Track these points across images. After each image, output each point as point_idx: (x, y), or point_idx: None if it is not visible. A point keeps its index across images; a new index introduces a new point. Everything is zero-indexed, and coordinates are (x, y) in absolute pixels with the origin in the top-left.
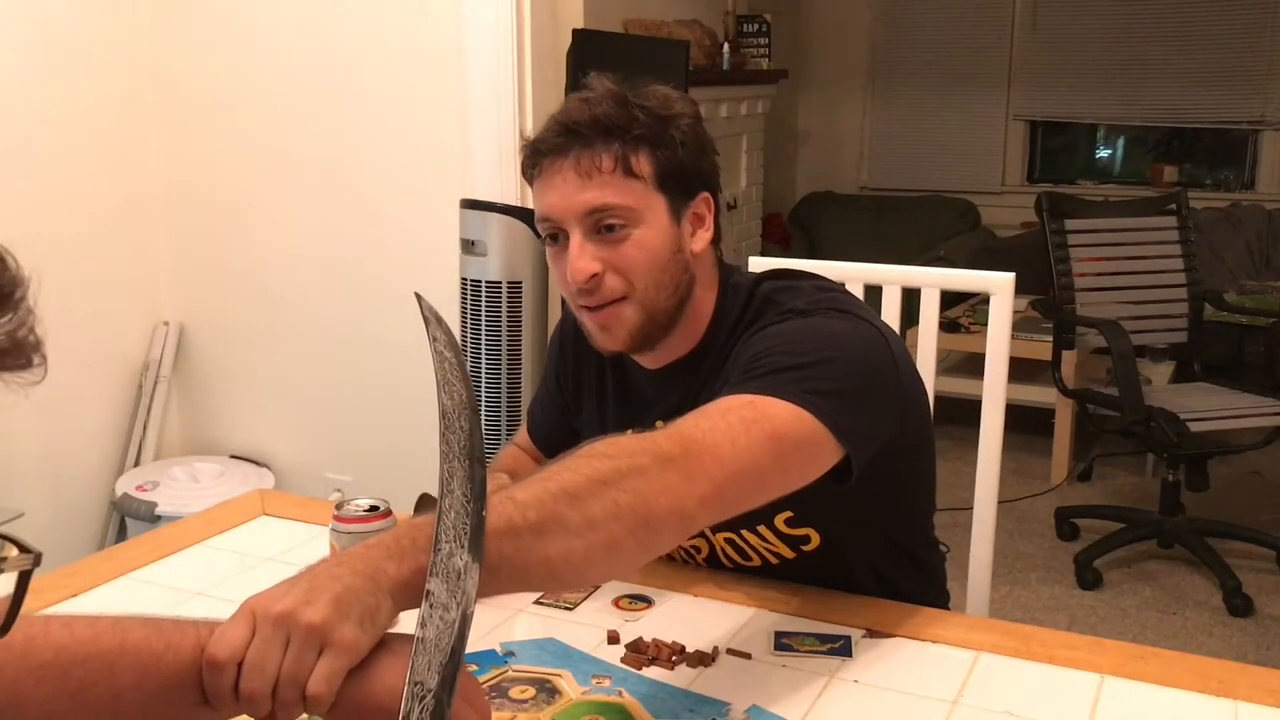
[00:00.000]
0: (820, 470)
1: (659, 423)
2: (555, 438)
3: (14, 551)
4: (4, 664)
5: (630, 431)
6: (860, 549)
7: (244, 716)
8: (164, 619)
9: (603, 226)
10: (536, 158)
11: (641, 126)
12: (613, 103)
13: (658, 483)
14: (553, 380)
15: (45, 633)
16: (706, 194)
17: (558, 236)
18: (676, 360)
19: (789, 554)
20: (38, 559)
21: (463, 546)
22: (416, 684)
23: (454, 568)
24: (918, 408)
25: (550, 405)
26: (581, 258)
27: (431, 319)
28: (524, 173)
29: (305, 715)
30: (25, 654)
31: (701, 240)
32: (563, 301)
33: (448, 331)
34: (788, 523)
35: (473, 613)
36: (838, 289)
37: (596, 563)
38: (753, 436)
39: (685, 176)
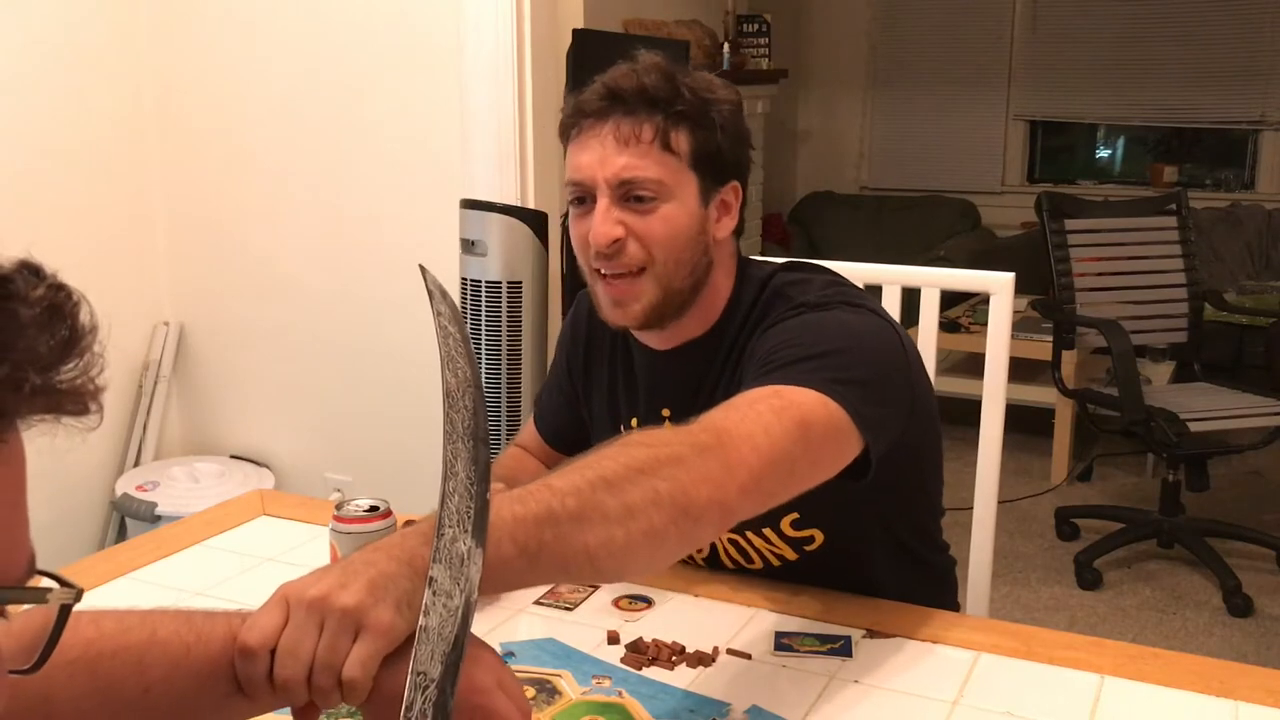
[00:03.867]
0: (844, 461)
1: (666, 410)
2: (564, 429)
3: (55, 586)
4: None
5: (635, 420)
6: (865, 550)
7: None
8: (195, 611)
9: (632, 196)
10: (578, 118)
11: (685, 103)
12: (659, 75)
13: (697, 472)
14: (563, 369)
15: (73, 628)
16: (737, 183)
17: (584, 199)
18: (687, 342)
19: (792, 556)
20: (79, 594)
21: (466, 531)
22: (419, 674)
23: (457, 553)
24: (926, 404)
25: (559, 395)
26: (606, 222)
27: (436, 293)
28: (561, 132)
29: (344, 705)
30: (55, 651)
31: (725, 228)
32: (568, 296)
33: (453, 306)
34: (793, 525)
35: (476, 599)
36: (849, 283)
37: (637, 552)
38: (784, 424)
39: (720, 161)
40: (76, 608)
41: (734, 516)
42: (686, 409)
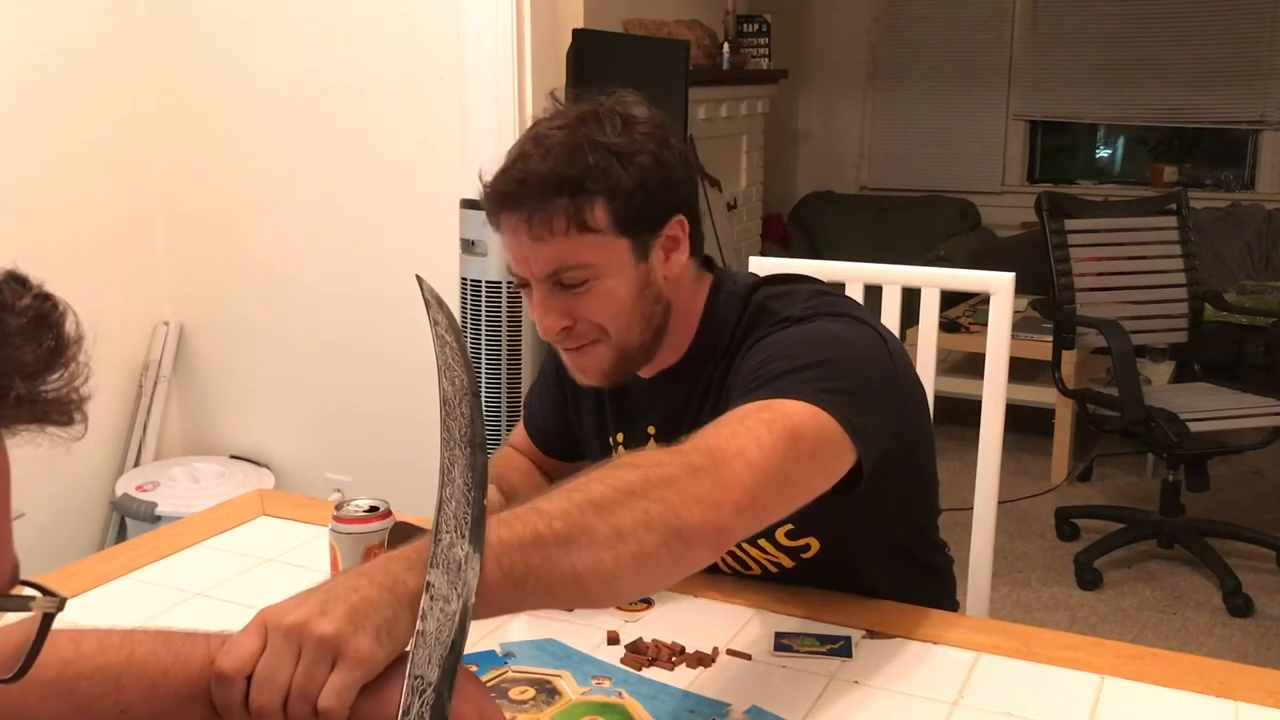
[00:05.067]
0: (838, 473)
1: (651, 429)
2: (553, 431)
3: (38, 596)
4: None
5: (623, 436)
6: (861, 555)
7: None
8: (175, 631)
9: (563, 283)
10: (494, 207)
11: (595, 177)
12: (562, 154)
13: (690, 492)
14: (553, 375)
15: (52, 647)
16: (679, 216)
17: (525, 284)
18: (666, 370)
19: (789, 563)
20: (61, 603)
21: (463, 537)
22: (417, 678)
23: (454, 558)
24: (916, 409)
25: (549, 399)
26: (548, 314)
27: (432, 302)
28: (488, 217)
29: None
30: (31, 670)
31: (676, 264)
32: None
33: (449, 315)
34: (788, 535)
35: (473, 604)
36: (833, 293)
37: (626, 575)
38: (776, 436)
39: (647, 212)
40: (59, 625)
41: (730, 537)
42: (672, 428)
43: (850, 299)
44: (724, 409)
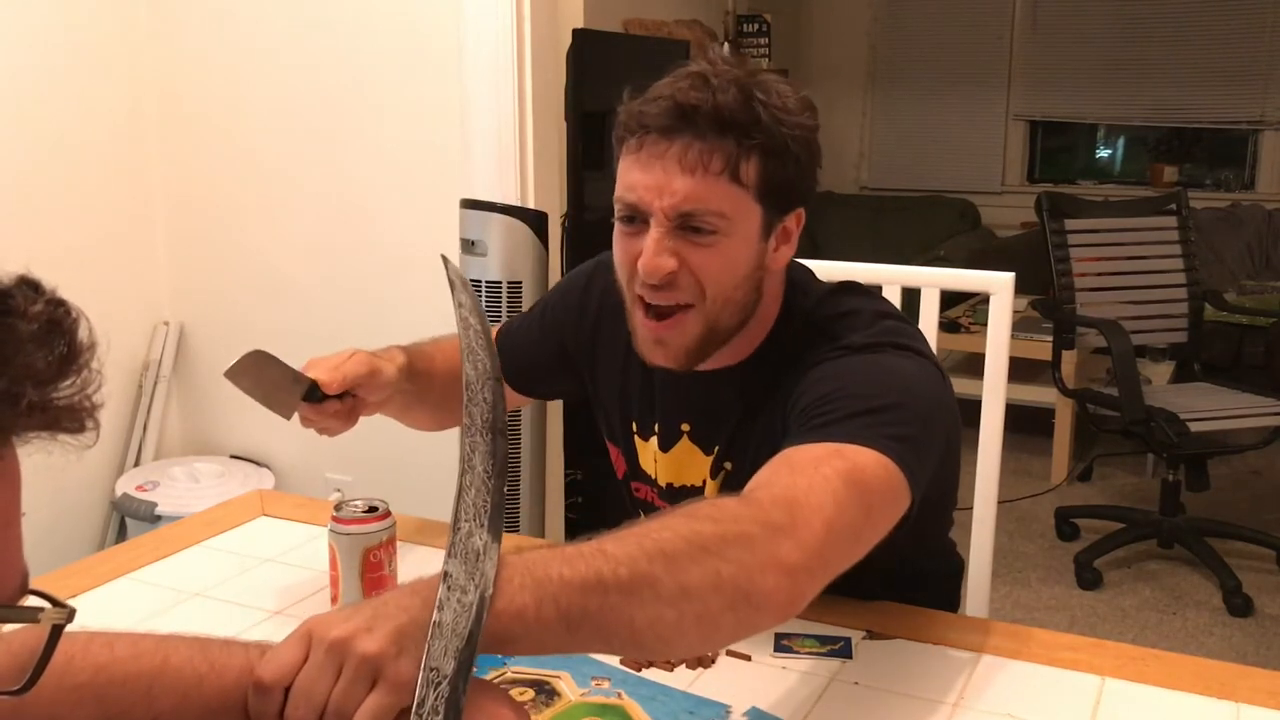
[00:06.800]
0: (895, 521)
1: (685, 425)
2: (525, 369)
3: (47, 606)
4: (41, 684)
5: (657, 426)
6: (865, 568)
7: None
8: (213, 639)
9: (690, 226)
10: (640, 131)
11: (761, 131)
12: (737, 95)
13: (765, 554)
14: (555, 332)
15: (85, 652)
16: (801, 210)
17: (634, 219)
18: (721, 368)
19: None
20: (70, 615)
21: (482, 526)
22: (432, 670)
23: (473, 548)
24: (957, 436)
25: (537, 339)
26: (660, 254)
27: (457, 283)
28: (616, 136)
29: None
30: (63, 674)
31: (783, 257)
32: (583, 272)
33: (474, 297)
34: None
35: (490, 596)
36: (895, 314)
37: (687, 635)
38: (851, 492)
39: (786, 190)
40: (73, 628)
41: (800, 604)
42: (707, 429)
43: (911, 324)
44: (766, 424)
